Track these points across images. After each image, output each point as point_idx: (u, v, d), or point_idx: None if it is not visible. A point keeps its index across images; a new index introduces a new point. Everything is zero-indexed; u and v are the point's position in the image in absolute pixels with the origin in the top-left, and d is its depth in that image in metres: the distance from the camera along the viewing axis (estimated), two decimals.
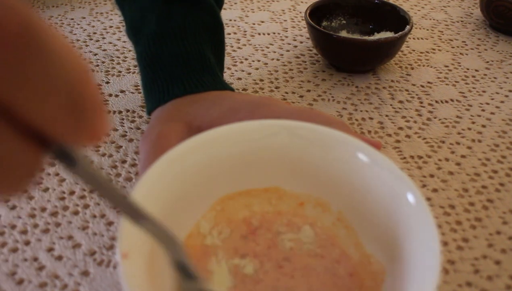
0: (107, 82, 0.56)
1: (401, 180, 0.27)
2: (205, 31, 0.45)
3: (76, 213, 0.40)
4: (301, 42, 0.65)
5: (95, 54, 0.61)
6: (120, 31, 0.66)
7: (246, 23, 0.70)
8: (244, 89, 0.56)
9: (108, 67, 0.59)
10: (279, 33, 0.67)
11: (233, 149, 0.31)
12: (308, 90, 0.56)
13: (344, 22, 0.64)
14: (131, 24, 0.46)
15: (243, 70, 0.59)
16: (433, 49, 0.65)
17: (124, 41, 0.64)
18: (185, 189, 0.29)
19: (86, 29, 0.67)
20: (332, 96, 0.55)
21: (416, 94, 0.56)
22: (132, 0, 0.46)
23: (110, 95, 0.54)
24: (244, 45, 0.64)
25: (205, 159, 0.30)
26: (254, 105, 0.38)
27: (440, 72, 0.60)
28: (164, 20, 0.44)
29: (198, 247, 0.31)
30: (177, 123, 0.38)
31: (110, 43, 0.64)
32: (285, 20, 0.71)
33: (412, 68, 0.61)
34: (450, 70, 0.61)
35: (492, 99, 0.56)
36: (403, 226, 0.27)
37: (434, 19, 0.73)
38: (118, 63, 0.59)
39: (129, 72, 0.58)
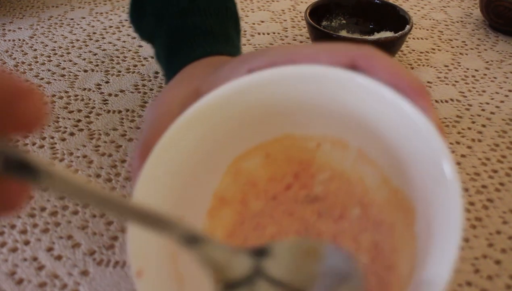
0: (107, 82, 0.56)
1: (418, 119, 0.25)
2: (229, 16, 0.44)
3: (75, 212, 0.40)
4: (301, 42, 0.65)
5: (95, 54, 0.61)
6: (120, 31, 0.66)
7: (246, 23, 0.70)
8: None
9: (107, 67, 0.59)
10: (279, 33, 0.67)
11: (234, 109, 0.29)
12: None
13: (344, 22, 0.64)
14: (154, 12, 0.45)
15: None
16: (433, 49, 0.65)
17: (124, 41, 0.64)
18: (193, 161, 0.28)
19: (86, 29, 0.67)
20: None
21: None
22: None
23: (110, 95, 0.54)
24: (244, 45, 0.64)
25: (209, 126, 0.28)
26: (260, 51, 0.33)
27: (440, 72, 0.60)
28: (190, 0, 0.43)
29: (228, 217, 0.30)
30: (182, 88, 0.35)
31: (110, 43, 0.64)
32: (285, 20, 0.71)
33: (412, 68, 0.61)
34: (450, 70, 0.61)
35: (492, 99, 0.56)
36: (423, 165, 0.25)
37: (434, 19, 0.73)
38: (118, 63, 0.59)
39: (129, 72, 0.58)
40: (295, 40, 0.66)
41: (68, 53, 0.61)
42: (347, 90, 0.27)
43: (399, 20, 0.59)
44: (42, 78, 0.56)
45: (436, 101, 0.55)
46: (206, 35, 0.41)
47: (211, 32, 0.42)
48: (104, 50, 0.62)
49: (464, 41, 0.67)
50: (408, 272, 0.25)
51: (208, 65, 0.37)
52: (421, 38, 0.67)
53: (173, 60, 0.41)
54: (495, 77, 0.60)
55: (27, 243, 0.38)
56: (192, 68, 0.38)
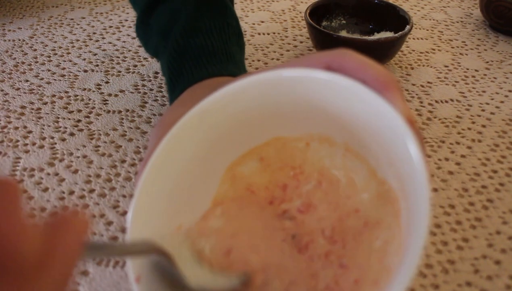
0: (107, 82, 0.56)
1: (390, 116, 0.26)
2: (231, 32, 0.45)
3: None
4: (301, 42, 0.65)
5: (95, 54, 0.61)
6: (120, 31, 0.66)
7: (246, 23, 0.70)
8: None
9: (107, 67, 0.59)
10: (279, 33, 0.67)
11: (222, 116, 0.30)
12: None
13: (344, 22, 0.64)
14: (159, 30, 0.46)
15: None
16: (433, 49, 0.65)
17: (124, 41, 0.64)
18: (188, 169, 0.29)
19: (86, 29, 0.67)
20: None
21: (416, 94, 0.56)
22: (160, 11, 0.46)
23: (110, 95, 0.54)
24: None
25: (199, 134, 0.29)
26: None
27: (440, 72, 0.60)
28: (193, 19, 0.44)
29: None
30: (184, 109, 0.35)
31: (110, 43, 0.64)
32: (285, 20, 0.71)
33: (412, 68, 0.61)
34: (450, 70, 0.61)
35: (492, 99, 0.56)
36: (394, 154, 0.26)
37: (434, 19, 0.73)
38: (118, 63, 0.59)
39: (129, 72, 0.58)
40: (295, 40, 0.66)
41: (68, 53, 0.61)
42: (320, 89, 0.28)
43: (399, 20, 0.59)
44: (42, 78, 0.56)
45: (436, 101, 0.55)
46: (208, 56, 0.42)
47: (213, 52, 0.42)
48: (104, 50, 0.62)
49: (464, 42, 0.67)
50: (396, 263, 0.25)
51: (209, 87, 0.38)
52: (421, 38, 0.67)
53: (176, 82, 0.42)
54: (495, 78, 0.60)
55: None
56: (193, 91, 0.39)
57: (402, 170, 0.25)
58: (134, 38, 0.65)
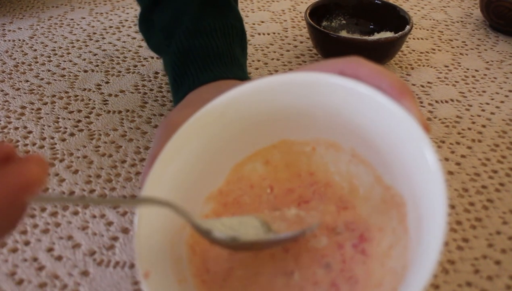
0: (107, 82, 0.56)
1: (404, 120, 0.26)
2: (234, 34, 0.45)
3: (75, 213, 0.40)
4: (301, 42, 0.65)
5: (95, 54, 0.61)
6: (120, 31, 0.66)
7: (246, 23, 0.69)
8: None
9: (108, 67, 0.59)
10: (279, 33, 0.67)
11: (231, 117, 0.30)
12: None
13: (344, 22, 0.64)
14: (162, 28, 0.46)
15: None
16: (433, 49, 0.65)
17: (124, 42, 0.64)
18: (194, 167, 0.30)
19: (86, 29, 0.67)
20: None
21: (416, 94, 0.56)
22: (163, 8, 0.46)
23: (110, 95, 0.54)
24: None
25: (208, 133, 0.30)
26: None
27: (440, 72, 0.60)
28: (197, 20, 0.44)
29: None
30: (191, 110, 0.35)
31: (110, 43, 0.64)
32: (285, 20, 0.71)
33: (412, 68, 0.61)
34: (450, 70, 0.61)
35: (492, 99, 0.56)
36: (408, 158, 0.26)
37: (434, 19, 0.73)
38: (118, 63, 0.59)
39: (129, 72, 0.58)
40: (295, 40, 0.66)
41: (68, 53, 0.61)
42: (333, 93, 0.28)
43: (399, 20, 0.59)
44: (42, 79, 0.56)
45: (436, 101, 0.55)
46: (213, 58, 0.42)
47: (218, 53, 0.43)
48: (104, 50, 0.62)
49: (464, 42, 0.67)
50: (402, 265, 0.25)
51: (216, 89, 0.38)
52: (421, 39, 0.67)
53: (181, 83, 0.42)
54: (495, 78, 0.60)
55: (27, 243, 0.38)
56: (199, 92, 0.39)
57: (416, 175, 0.25)
58: (134, 38, 0.65)
